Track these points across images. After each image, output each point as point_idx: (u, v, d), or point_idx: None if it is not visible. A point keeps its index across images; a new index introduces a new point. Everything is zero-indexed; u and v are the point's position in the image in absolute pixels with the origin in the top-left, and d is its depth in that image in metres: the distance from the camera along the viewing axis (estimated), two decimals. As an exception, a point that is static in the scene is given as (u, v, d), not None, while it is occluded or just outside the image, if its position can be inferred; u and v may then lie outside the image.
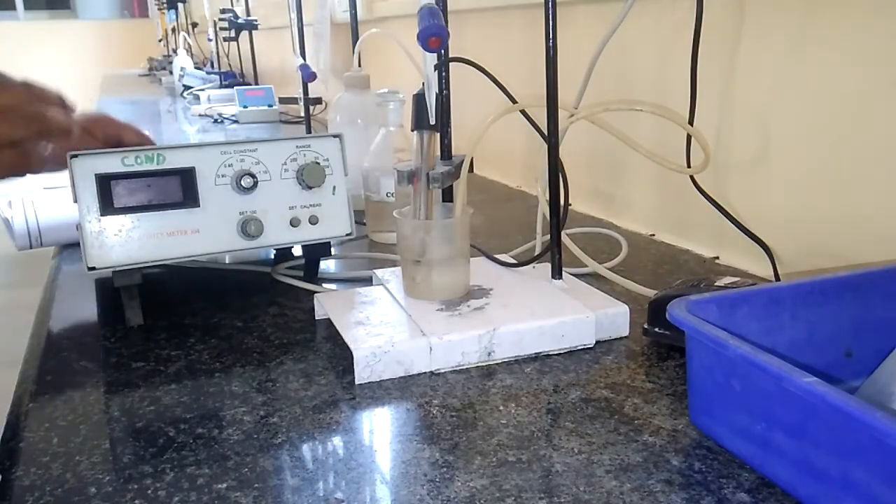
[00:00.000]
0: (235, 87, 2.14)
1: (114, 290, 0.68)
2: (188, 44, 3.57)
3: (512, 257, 0.77)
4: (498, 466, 0.46)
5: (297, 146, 0.71)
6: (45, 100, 0.64)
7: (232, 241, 0.69)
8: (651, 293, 0.68)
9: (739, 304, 0.49)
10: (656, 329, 0.61)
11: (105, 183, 0.64)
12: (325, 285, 0.77)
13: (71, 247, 0.90)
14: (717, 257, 0.86)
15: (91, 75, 6.83)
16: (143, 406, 0.54)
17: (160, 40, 4.61)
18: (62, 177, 0.65)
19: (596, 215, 1.05)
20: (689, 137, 0.82)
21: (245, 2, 2.58)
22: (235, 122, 2.02)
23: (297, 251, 0.84)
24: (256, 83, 2.47)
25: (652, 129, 0.92)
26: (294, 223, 0.71)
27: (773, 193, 0.79)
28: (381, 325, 0.60)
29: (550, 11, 0.64)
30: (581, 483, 0.44)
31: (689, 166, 0.82)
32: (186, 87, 2.67)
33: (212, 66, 3.02)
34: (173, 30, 3.94)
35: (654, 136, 0.93)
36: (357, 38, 1.31)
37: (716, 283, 0.61)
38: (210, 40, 2.97)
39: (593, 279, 0.74)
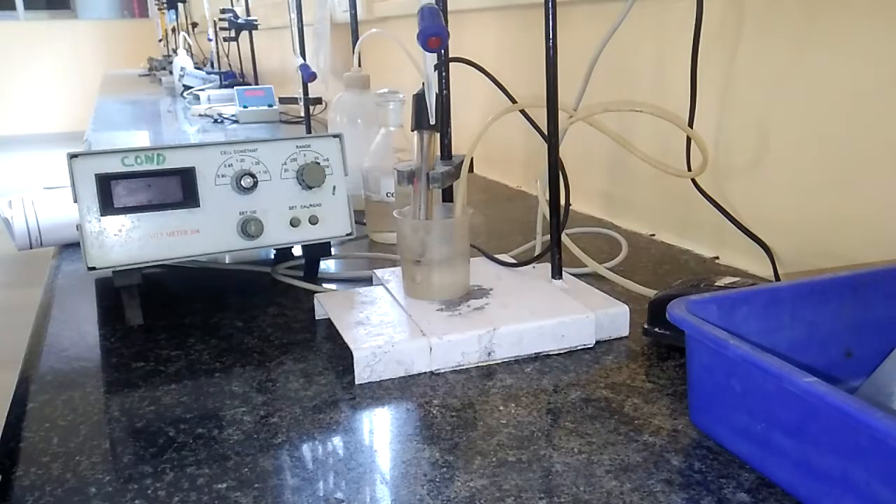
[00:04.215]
0: (235, 87, 2.14)
1: (114, 290, 0.68)
2: (188, 44, 3.57)
3: (512, 257, 0.77)
4: (498, 466, 0.46)
5: (297, 146, 0.71)
6: None
7: (232, 241, 0.69)
8: (651, 293, 0.68)
9: (739, 304, 0.49)
10: (656, 329, 0.61)
11: (105, 183, 0.64)
12: (325, 285, 0.77)
13: (71, 247, 0.90)
14: (717, 257, 0.86)
15: (91, 75, 6.85)
16: (143, 406, 0.54)
17: (160, 40, 4.61)
18: (62, 177, 0.65)
19: (596, 215, 1.05)
20: (688, 139, 0.82)
21: (245, 2, 2.58)
22: (235, 122, 2.02)
23: (297, 251, 0.84)
24: (256, 83, 2.47)
25: (652, 128, 0.92)
26: (294, 223, 0.71)
27: (773, 193, 0.79)
28: (381, 325, 0.60)
29: (550, 11, 0.64)
30: (581, 483, 0.44)
31: (689, 168, 0.82)
32: (186, 87, 2.67)
33: (212, 66, 3.02)
34: (173, 30, 3.94)
35: (654, 135, 0.93)
36: (357, 38, 1.31)
37: (716, 283, 0.61)
38: (210, 40, 2.97)
39: (593, 279, 0.74)
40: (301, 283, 0.77)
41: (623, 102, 0.96)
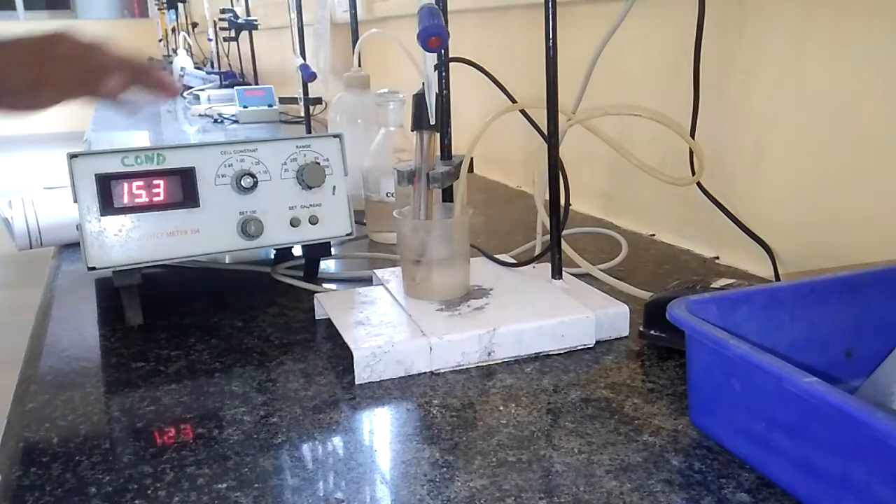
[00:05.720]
0: (235, 87, 2.14)
1: (114, 290, 0.68)
2: (188, 44, 3.57)
3: (512, 257, 0.77)
4: (498, 466, 0.46)
5: (297, 146, 0.71)
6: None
7: (232, 241, 0.69)
8: (646, 295, 0.68)
9: (739, 304, 0.49)
10: (652, 331, 0.61)
11: (105, 183, 0.64)
12: (325, 285, 0.77)
13: (71, 247, 0.90)
14: (718, 257, 0.86)
15: (91, 75, 6.83)
16: (143, 406, 0.54)
17: (160, 40, 4.61)
18: (62, 177, 0.65)
19: (596, 215, 1.05)
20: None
21: (245, 2, 2.58)
22: (235, 122, 2.02)
23: (297, 251, 0.84)
24: (256, 83, 2.47)
25: (652, 127, 0.92)
26: (294, 223, 0.71)
27: (773, 194, 0.79)
28: (381, 325, 0.60)
29: (550, 11, 0.64)
30: (581, 483, 0.44)
31: (693, 173, 0.81)
32: (186, 87, 2.67)
33: (212, 66, 3.02)
34: (173, 30, 3.94)
35: (654, 134, 0.93)
36: (357, 38, 1.31)
37: (712, 285, 0.61)
38: (210, 40, 2.98)
39: (593, 279, 0.74)
40: (301, 283, 0.77)
41: (623, 106, 0.96)
